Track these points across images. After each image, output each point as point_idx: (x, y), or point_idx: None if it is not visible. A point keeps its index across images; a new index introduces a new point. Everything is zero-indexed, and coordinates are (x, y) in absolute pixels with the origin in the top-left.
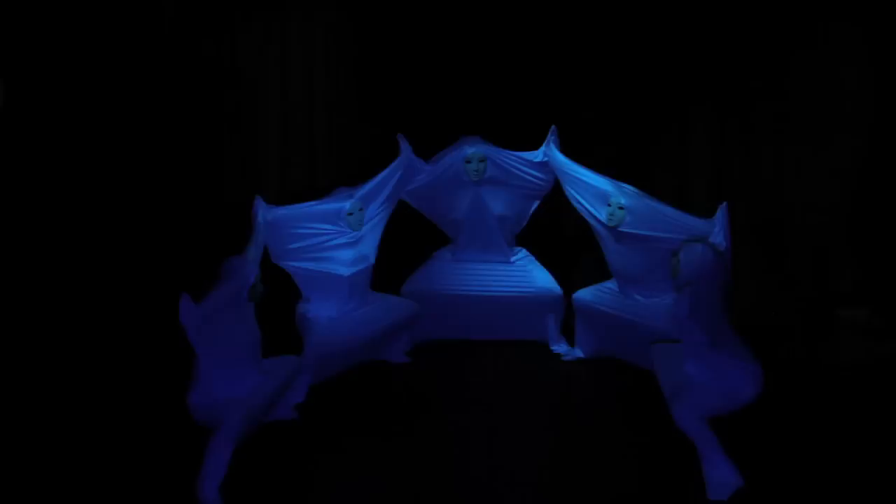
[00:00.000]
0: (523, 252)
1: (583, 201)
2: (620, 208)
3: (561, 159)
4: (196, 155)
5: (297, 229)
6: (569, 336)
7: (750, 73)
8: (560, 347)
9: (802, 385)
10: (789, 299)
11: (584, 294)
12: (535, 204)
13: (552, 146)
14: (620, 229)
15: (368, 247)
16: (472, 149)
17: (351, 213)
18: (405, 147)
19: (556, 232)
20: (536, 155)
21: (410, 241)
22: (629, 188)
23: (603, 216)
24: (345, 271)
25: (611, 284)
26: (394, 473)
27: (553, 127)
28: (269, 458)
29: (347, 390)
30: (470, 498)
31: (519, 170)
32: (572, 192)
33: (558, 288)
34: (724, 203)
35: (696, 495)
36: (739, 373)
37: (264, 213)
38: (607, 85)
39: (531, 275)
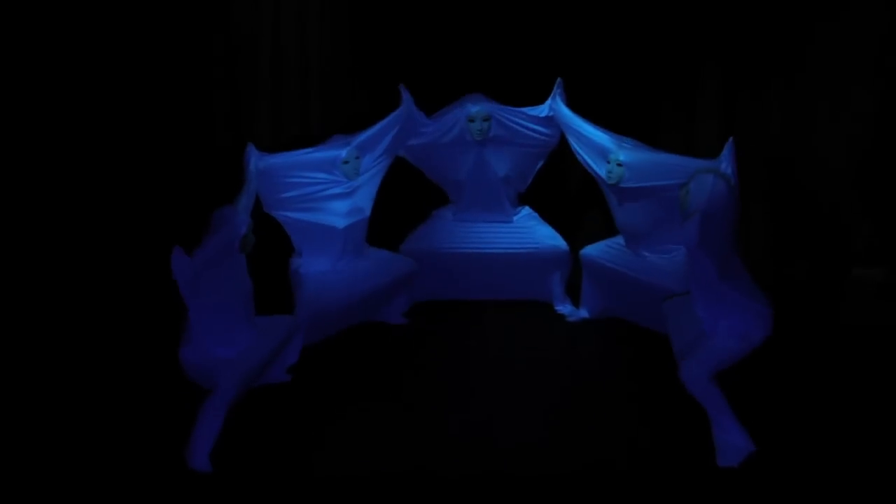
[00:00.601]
0: (527, 210)
1: (586, 157)
2: (619, 165)
3: (566, 113)
4: (187, 104)
5: (290, 178)
6: (574, 297)
7: (762, 32)
8: (564, 308)
9: (815, 346)
10: (802, 259)
11: (591, 250)
12: (540, 163)
13: (558, 100)
14: (621, 185)
15: (364, 198)
16: (476, 107)
17: (347, 162)
18: (406, 98)
19: (561, 188)
20: (542, 110)
21: (408, 199)
22: (629, 142)
23: (604, 173)
24: (339, 223)
25: (619, 240)
26: (391, 437)
27: (559, 80)
28: (261, 422)
29: (343, 352)
30: (470, 460)
31: (524, 127)
32: (577, 147)
33: (564, 244)
34: (731, 138)
35: (706, 461)
36: (750, 314)
37: (256, 160)
38: (613, 37)
39: (535, 232)
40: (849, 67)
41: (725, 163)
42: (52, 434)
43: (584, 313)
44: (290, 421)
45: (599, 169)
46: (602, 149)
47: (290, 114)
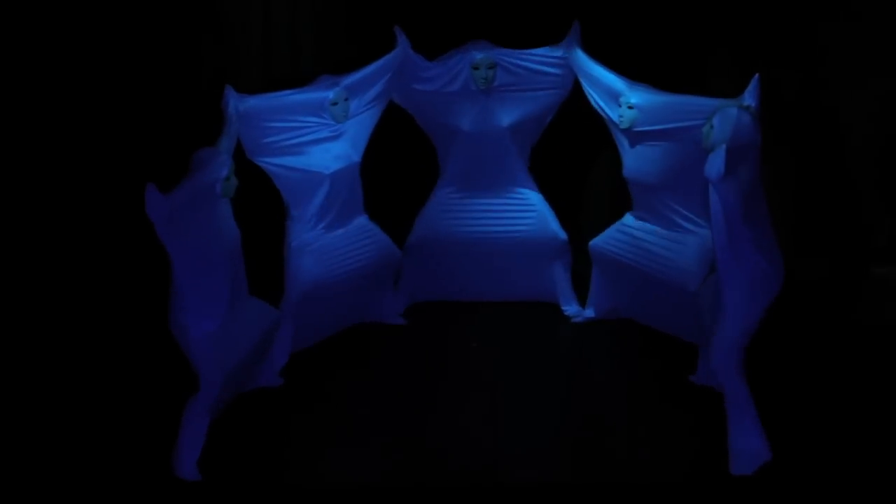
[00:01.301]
0: (536, 195)
1: (599, 101)
2: (630, 108)
3: (582, 57)
4: (170, 46)
5: (274, 121)
6: (580, 294)
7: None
8: (570, 308)
9: (832, 347)
10: (820, 256)
11: (602, 241)
12: (550, 116)
13: (574, 44)
14: (634, 129)
15: (353, 144)
16: (481, 54)
17: (335, 103)
18: (402, 41)
19: (563, 178)
20: (556, 51)
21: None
22: (643, 86)
23: (616, 117)
24: (326, 168)
25: (629, 222)
26: (386, 446)
27: (576, 23)
28: (253, 428)
29: (338, 354)
30: (465, 468)
31: (532, 69)
32: (590, 90)
33: (562, 232)
34: (757, 75)
35: (718, 470)
36: (769, 257)
37: (236, 102)
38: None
39: (533, 216)
40: (870, 58)
41: (750, 99)
42: (37, 440)
43: (590, 313)
44: (283, 427)
45: (612, 113)
46: (615, 91)
47: (280, 58)
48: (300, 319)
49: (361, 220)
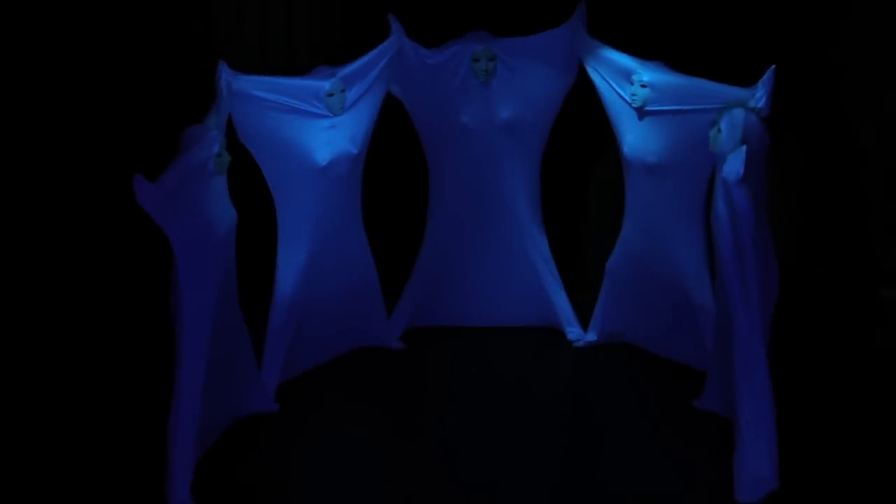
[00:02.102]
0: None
1: (609, 79)
2: (643, 86)
3: (588, 39)
4: (158, 37)
5: (266, 104)
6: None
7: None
8: (573, 331)
9: (846, 373)
10: (831, 278)
11: (618, 259)
12: (556, 107)
13: (580, 25)
14: (647, 109)
15: (350, 135)
16: (481, 46)
17: (331, 94)
18: (396, 28)
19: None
20: (559, 33)
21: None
22: (655, 64)
23: (627, 96)
24: (320, 159)
25: (631, 234)
26: (387, 475)
27: (581, 5)
28: (249, 455)
29: (334, 380)
30: (464, 499)
31: (535, 54)
32: (598, 69)
33: (570, 324)
34: (773, 66)
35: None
36: (767, 262)
37: (228, 78)
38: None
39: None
40: (881, 70)
41: (761, 92)
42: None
43: (592, 336)
44: (278, 456)
45: (623, 91)
46: (626, 70)
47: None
48: (291, 337)
49: (355, 229)
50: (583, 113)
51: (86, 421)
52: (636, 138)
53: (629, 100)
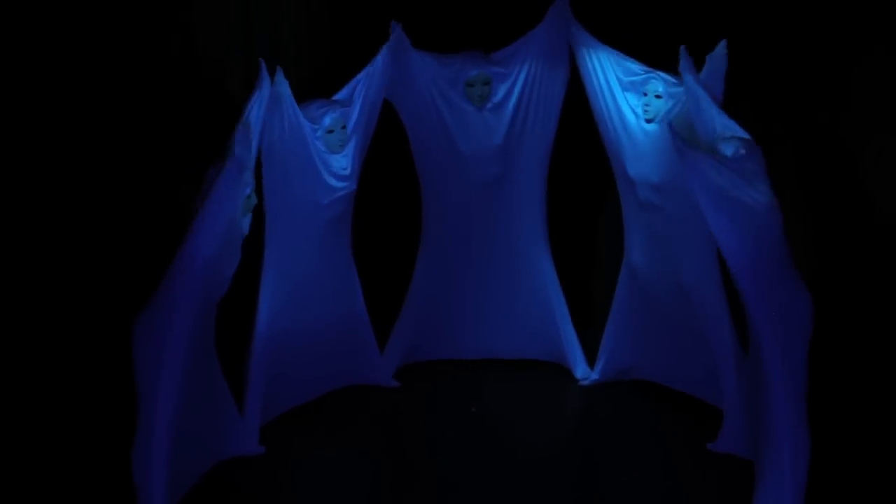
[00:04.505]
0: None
1: (612, 82)
2: (658, 97)
3: (585, 37)
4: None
5: (303, 122)
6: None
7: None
8: (579, 369)
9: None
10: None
11: (619, 291)
12: (556, 112)
13: (567, 15)
14: (655, 121)
15: (353, 171)
16: (475, 70)
17: (331, 131)
18: (399, 35)
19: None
20: (544, 26)
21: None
22: (669, 77)
23: (639, 107)
24: (322, 197)
25: (635, 263)
26: None
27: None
28: (231, 498)
29: (322, 421)
30: None
31: (521, 57)
32: (596, 68)
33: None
34: (682, 46)
35: None
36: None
37: (274, 82)
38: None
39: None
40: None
41: (685, 67)
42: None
43: (596, 375)
44: (260, 500)
45: (631, 99)
46: (636, 77)
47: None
48: (273, 372)
49: (344, 263)
50: (588, 140)
51: (86, 421)
52: (638, 160)
53: (641, 114)
